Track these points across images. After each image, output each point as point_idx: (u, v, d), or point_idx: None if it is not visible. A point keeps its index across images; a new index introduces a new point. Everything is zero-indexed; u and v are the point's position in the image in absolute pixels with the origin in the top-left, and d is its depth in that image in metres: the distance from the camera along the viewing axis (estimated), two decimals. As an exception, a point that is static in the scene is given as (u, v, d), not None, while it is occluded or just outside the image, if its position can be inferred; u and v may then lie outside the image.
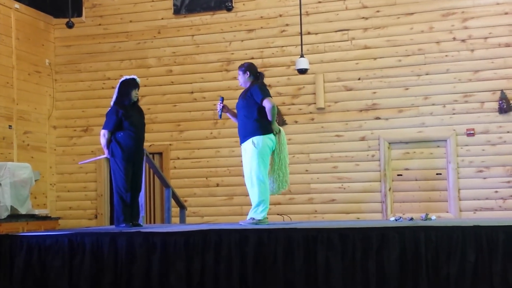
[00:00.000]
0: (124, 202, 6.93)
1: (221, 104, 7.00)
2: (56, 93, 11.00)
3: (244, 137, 6.78)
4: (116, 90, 7.09)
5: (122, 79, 7.14)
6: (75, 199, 10.84)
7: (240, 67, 6.99)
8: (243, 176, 6.82)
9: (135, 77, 7.16)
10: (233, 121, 7.14)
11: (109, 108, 7.06)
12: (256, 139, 6.68)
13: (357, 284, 5.23)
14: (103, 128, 7.01)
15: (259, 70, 7.05)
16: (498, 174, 9.19)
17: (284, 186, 6.87)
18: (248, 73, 6.90)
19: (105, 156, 7.23)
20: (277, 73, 10.07)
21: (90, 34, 10.97)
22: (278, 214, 9.46)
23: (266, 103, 6.69)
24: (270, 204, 6.89)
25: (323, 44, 9.96)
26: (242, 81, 6.96)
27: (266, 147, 6.71)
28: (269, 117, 6.72)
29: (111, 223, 9.97)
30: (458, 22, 9.49)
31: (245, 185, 6.83)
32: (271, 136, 6.76)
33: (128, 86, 7.06)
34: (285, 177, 6.85)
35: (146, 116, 7.45)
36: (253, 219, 6.66)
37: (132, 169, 7.00)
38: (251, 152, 6.69)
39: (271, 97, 6.78)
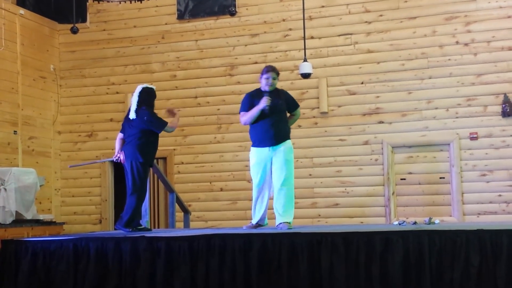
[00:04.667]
0: (140, 206, 6.96)
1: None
2: (61, 99, 11.03)
3: None
4: (137, 96, 6.92)
5: (143, 86, 7.02)
6: (80, 204, 10.86)
7: (276, 71, 6.86)
8: (251, 181, 6.92)
9: (154, 87, 7.14)
10: None
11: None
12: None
13: (361, 288, 5.25)
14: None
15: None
16: (501, 177, 9.18)
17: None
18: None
19: (105, 160, 7.22)
20: (281, 78, 9.86)
21: (94, 39, 11.01)
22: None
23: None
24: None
25: (326, 49, 9.98)
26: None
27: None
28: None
29: (116, 227, 9.98)
30: (461, 26, 9.50)
31: (251, 189, 6.94)
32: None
33: (153, 96, 7.07)
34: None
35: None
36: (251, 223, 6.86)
37: None
38: None
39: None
